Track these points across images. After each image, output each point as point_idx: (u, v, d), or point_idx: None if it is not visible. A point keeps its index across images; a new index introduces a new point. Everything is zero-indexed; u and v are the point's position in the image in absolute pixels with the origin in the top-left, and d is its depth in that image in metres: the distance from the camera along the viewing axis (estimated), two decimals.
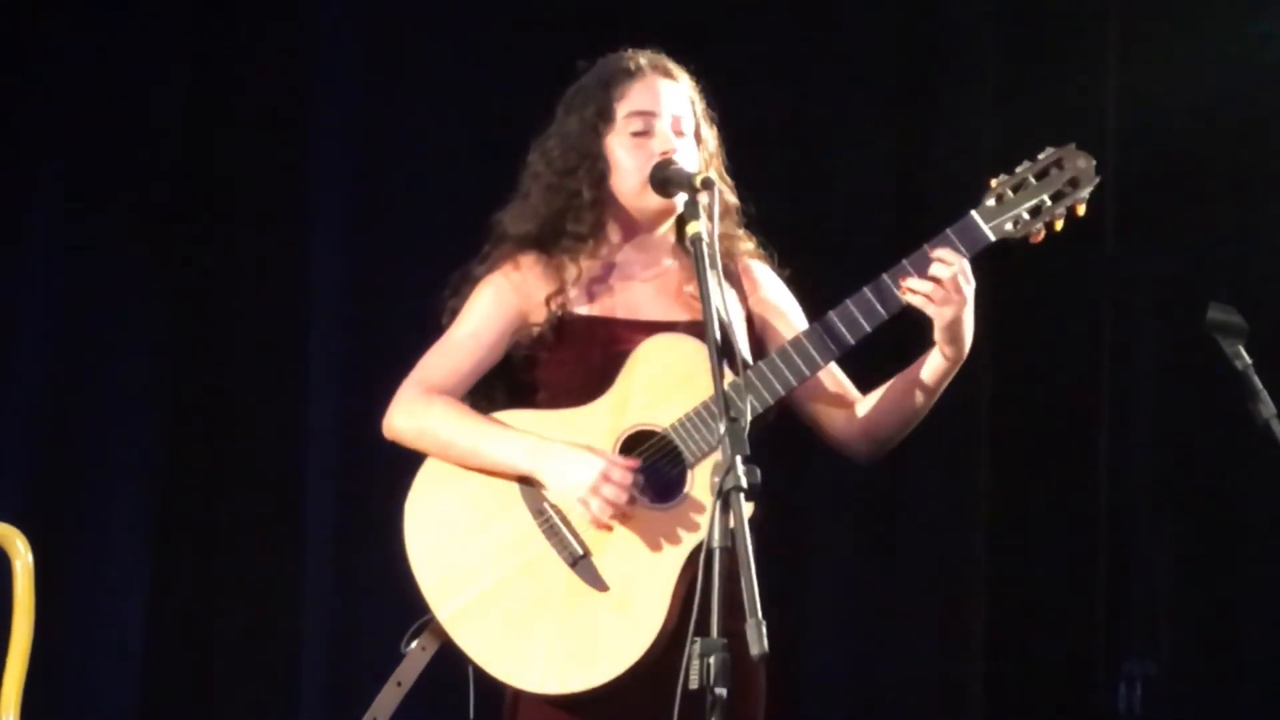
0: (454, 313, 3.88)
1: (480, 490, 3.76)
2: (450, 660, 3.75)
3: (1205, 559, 5.73)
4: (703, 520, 3.56)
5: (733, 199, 3.92)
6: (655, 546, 3.68)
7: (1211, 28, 5.62)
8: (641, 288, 3.87)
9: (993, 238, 3.71)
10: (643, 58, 3.90)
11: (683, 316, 3.82)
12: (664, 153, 3.80)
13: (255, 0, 5.60)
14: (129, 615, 5.42)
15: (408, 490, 3.78)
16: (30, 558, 3.76)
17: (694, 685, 3.18)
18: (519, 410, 3.80)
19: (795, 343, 3.73)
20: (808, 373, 3.73)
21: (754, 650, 3.11)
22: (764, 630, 3.11)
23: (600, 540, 3.70)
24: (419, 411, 3.79)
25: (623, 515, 3.69)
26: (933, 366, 3.76)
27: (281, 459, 5.50)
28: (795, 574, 5.59)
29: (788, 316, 3.91)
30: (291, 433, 5.51)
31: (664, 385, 3.73)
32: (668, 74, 3.89)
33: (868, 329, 3.71)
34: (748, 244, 3.94)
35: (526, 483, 3.75)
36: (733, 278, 3.88)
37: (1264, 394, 3.80)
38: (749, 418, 3.35)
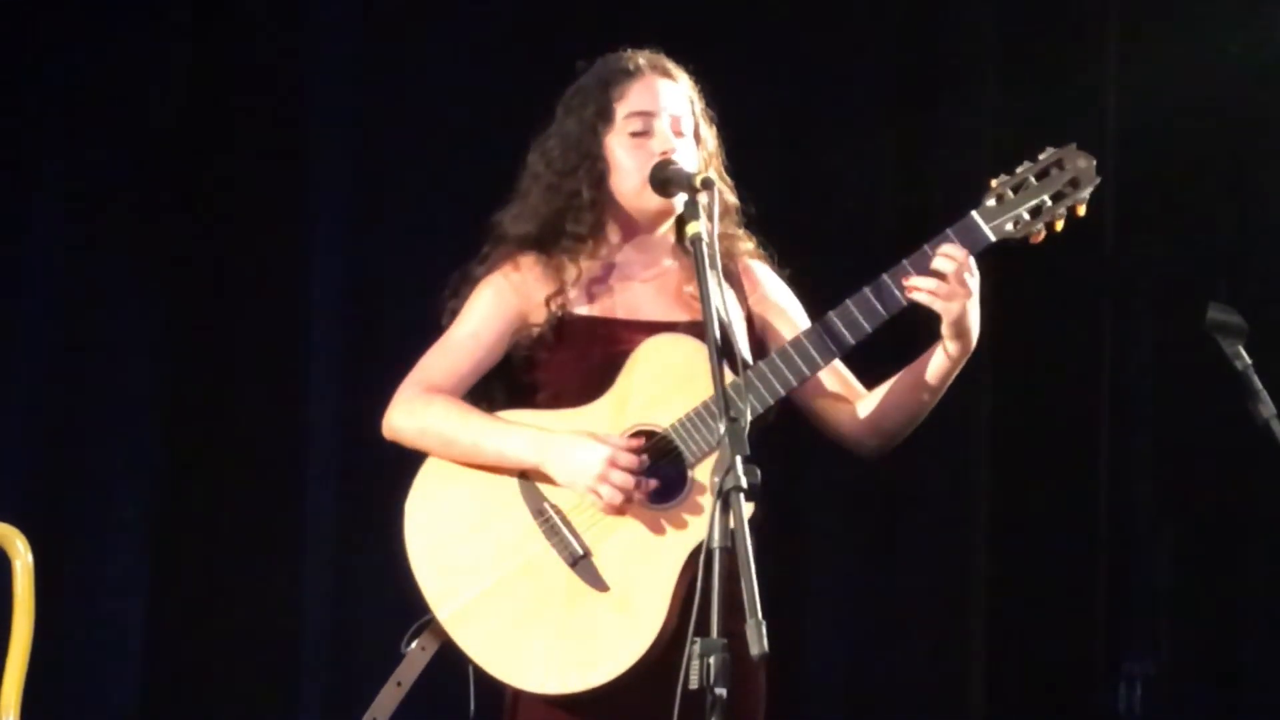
0: (454, 313, 3.88)
1: (480, 490, 3.76)
2: (450, 660, 3.75)
3: (1205, 559, 5.73)
4: (703, 520, 3.55)
5: (732, 199, 3.92)
6: (655, 546, 3.67)
7: (1211, 28, 5.62)
8: (641, 288, 3.87)
9: (993, 238, 3.71)
10: (642, 58, 3.90)
11: (683, 317, 3.81)
12: (663, 153, 3.80)
13: (256, 1, 5.60)
14: (129, 615, 5.42)
15: (408, 490, 3.78)
16: (30, 558, 3.76)
17: (694, 685, 3.18)
18: (519, 410, 3.80)
19: (795, 343, 3.73)
20: (807, 373, 3.72)
21: (754, 650, 3.11)
22: (764, 630, 3.11)
23: (600, 540, 3.70)
24: (419, 410, 3.79)
25: (623, 515, 3.69)
26: (939, 361, 3.75)
27: (281, 459, 5.50)
28: (795, 574, 5.59)
29: (789, 315, 3.90)
30: (291, 433, 5.51)
31: (664, 385, 3.73)
32: (667, 74, 3.89)
33: (868, 329, 3.70)
34: (748, 244, 3.94)
35: (527, 482, 3.75)
36: (733, 278, 3.88)
37: (1264, 394, 3.80)
38: (749, 418, 3.35)
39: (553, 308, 3.82)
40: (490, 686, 3.73)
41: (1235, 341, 3.83)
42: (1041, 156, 3.74)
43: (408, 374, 3.85)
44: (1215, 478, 5.68)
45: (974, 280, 3.68)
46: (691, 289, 3.81)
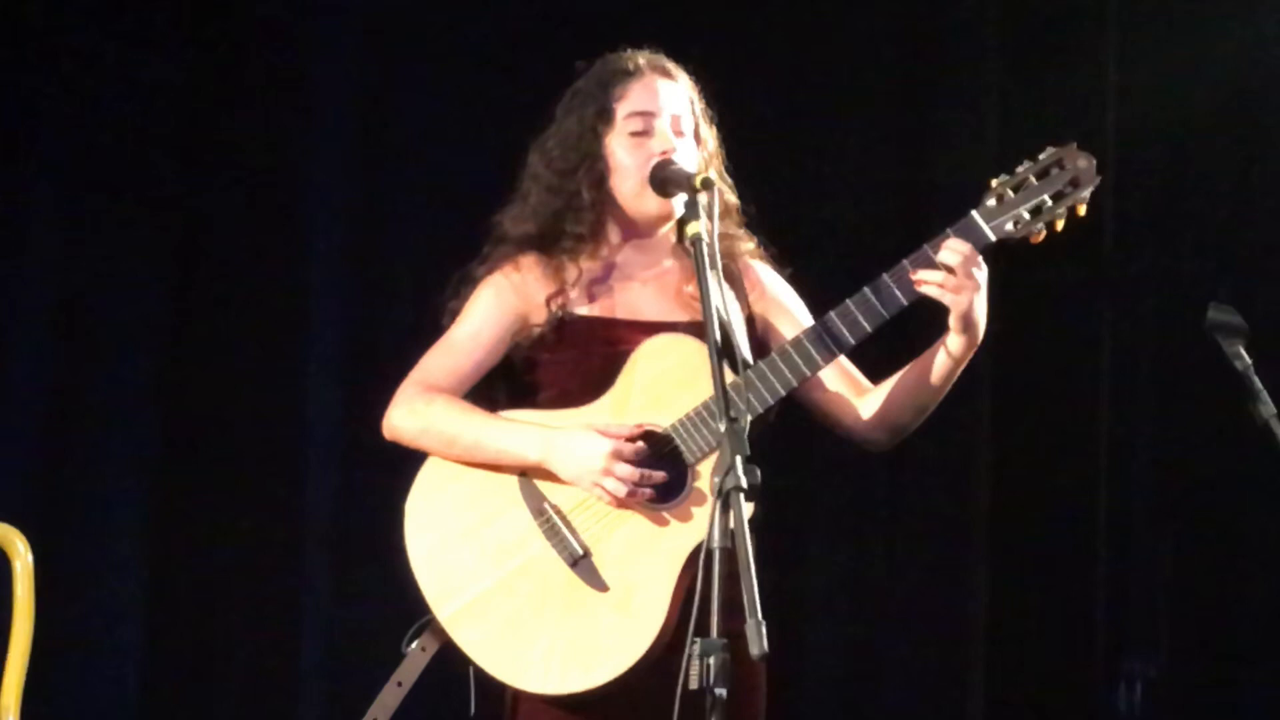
0: (454, 314, 3.88)
1: (480, 490, 3.76)
2: (450, 660, 3.75)
3: (1205, 559, 5.73)
4: (703, 520, 3.55)
5: (733, 199, 3.92)
6: (655, 547, 3.67)
7: (1211, 28, 5.62)
8: (642, 288, 3.87)
9: (993, 237, 3.71)
10: (642, 58, 3.90)
11: (683, 317, 3.81)
12: (663, 152, 3.80)
13: (256, 1, 5.61)
14: (128, 615, 5.41)
15: (408, 490, 3.78)
16: (30, 558, 3.77)
17: (694, 686, 3.18)
18: (520, 410, 3.80)
19: (795, 343, 3.73)
20: (807, 373, 3.72)
21: (754, 650, 3.11)
22: (764, 630, 3.11)
23: (600, 540, 3.70)
24: (420, 409, 3.79)
25: (623, 514, 3.69)
26: (947, 353, 3.75)
27: (281, 458, 5.50)
28: (795, 574, 5.60)
29: (792, 314, 3.90)
30: (291, 432, 5.51)
31: (664, 385, 3.73)
32: (667, 74, 3.88)
33: (868, 329, 3.70)
34: (748, 244, 3.94)
35: (527, 482, 3.75)
36: (733, 278, 3.88)
37: (1264, 394, 3.80)
38: (749, 418, 3.35)
39: (553, 308, 3.82)
40: (490, 686, 3.73)
41: (1235, 341, 3.83)
42: (1041, 156, 3.74)
43: (408, 374, 3.85)
44: (1215, 478, 5.68)
45: (982, 273, 3.68)
46: (692, 289, 3.81)
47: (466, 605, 3.71)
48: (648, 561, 3.67)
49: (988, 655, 5.70)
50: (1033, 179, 3.73)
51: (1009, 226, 3.71)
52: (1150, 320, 5.79)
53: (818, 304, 3.84)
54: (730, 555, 3.19)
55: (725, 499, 3.20)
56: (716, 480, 3.22)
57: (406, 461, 3.81)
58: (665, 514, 3.69)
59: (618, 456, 3.67)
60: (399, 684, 3.78)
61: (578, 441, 3.69)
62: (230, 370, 5.50)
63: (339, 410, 5.48)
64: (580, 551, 3.70)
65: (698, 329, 3.55)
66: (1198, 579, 5.74)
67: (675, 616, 3.63)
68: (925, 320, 3.75)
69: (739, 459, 3.22)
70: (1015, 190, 3.73)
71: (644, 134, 3.83)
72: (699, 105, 3.91)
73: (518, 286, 3.85)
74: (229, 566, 5.44)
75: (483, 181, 4.08)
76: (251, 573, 5.44)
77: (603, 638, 3.65)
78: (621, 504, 3.68)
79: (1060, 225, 3.72)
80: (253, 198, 5.55)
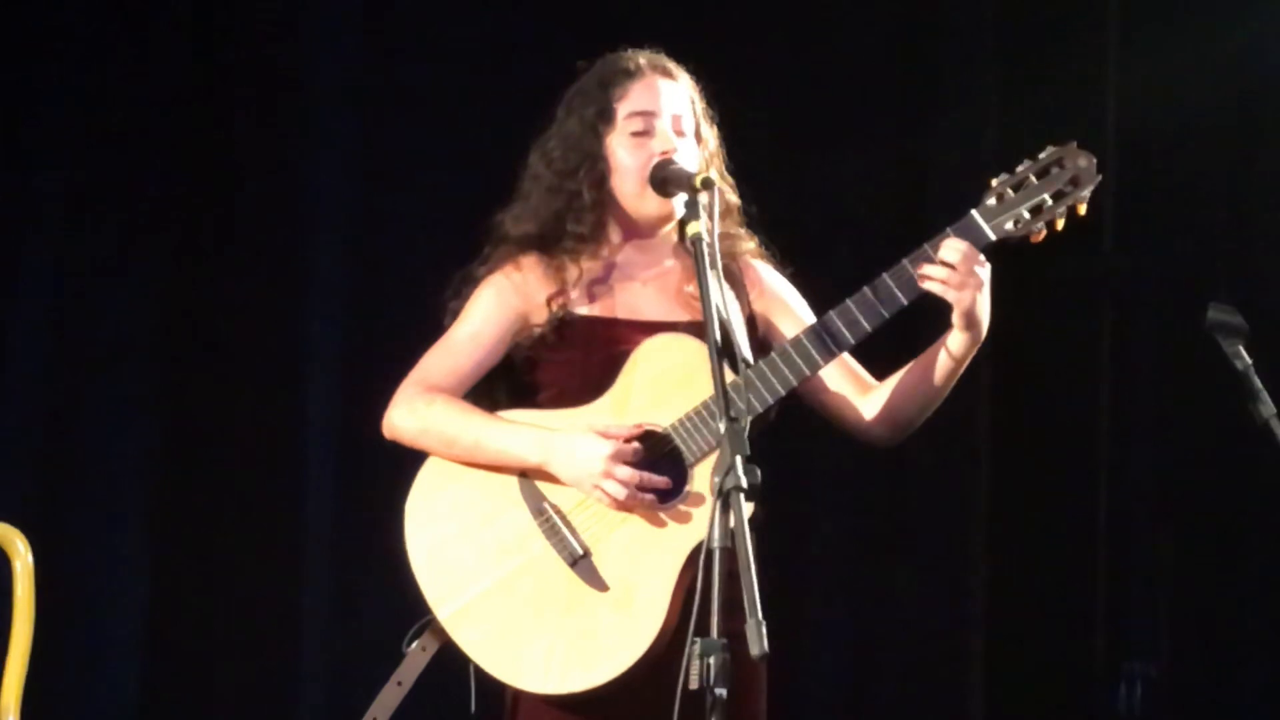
0: (455, 313, 3.88)
1: (480, 490, 3.76)
2: (450, 660, 3.75)
3: (1205, 559, 5.73)
4: (703, 520, 3.55)
5: (733, 198, 3.92)
6: (655, 546, 3.67)
7: (1210, 28, 5.62)
8: (642, 288, 3.87)
9: (993, 237, 3.71)
10: (642, 58, 3.89)
11: (683, 317, 3.81)
12: (664, 152, 3.80)
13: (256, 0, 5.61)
14: (129, 615, 5.41)
15: (408, 490, 3.78)
16: (30, 558, 3.77)
17: (694, 685, 3.18)
18: (520, 410, 3.80)
19: (795, 342, 3.73)
20: (808, 372, 3.72)
21: (754, 650, 3.11)
22: (764, 630, 3.11)
23: (600, 540, 3.70)
24: (420, 409, 3.79)
25: (624, 514, 3.69)
26: (951, 350, 3.74)
27: (281, 459, 5.50)
28: (795, 574, 5.59)
29: (793, 313, 3.90)
30: (291, 432, 5.51)
31: (664, 385, 3.73)
32: (667, 74, 3.88)
33: (868, 328, 3.70)
34: (749, 243, 3.93)
35: (527, 482, 3.75)
36: (734, 278, 3.88)
37: (1264, 394, 3.80)
38: (749, 417, 3.35)
39: (554, 308, 3.82)
40: (490, 686, 3.73)
41: (1235, 341, 3.83)
42: (1042, 155, 3.74)
43: (408, 374, 3.85)
44: (1215, 478, 5.68)
45: (985, 271, 3.68)
46: (692, 289, 3.81)
47: (466, 605, 3.71)
48: (648, 561, 3.67)
49: (988, 655, 5.69)
50: (1033, 178, 3.73)
51: (1009, 226, 3.71)
52: (1150, 320, 5.79)
53: (818, 304, 3.84)
54: (730, 555, 3.19)
55: (725, 498, 3.20)
56: (717, 480, 3.22)
57: (406, 462, 3.81)
58: (665, 514, 3.69)
59: (617, 458, 3.67)
60: (399, 684, 3.78)
61: (577, 444, 3.69)
62: (231, 369, 5.50)
63: (339, 411, 5.47)
64: (580, 551, 3.70)
65: (698, 329, 3.55)
66: (1198, 579, 5.74)
67: (675, 616, 3.62)
68: (931, 318, 3.75)
69: (739, 458, 3.22)
70: (1015, 189, 3.73)
71: (645, 134, 3.83)
72: (700, 105, 3.90)
73: (518, 286, 3.85)
74: (229, 566, 5.44)
75: (483, 182, 4.08)
76: (251, 573, 5.43)
77: (603, 637, 3.65)
78: (621, 505, 3.68)
79: (1060, 224, 3.72)
80: (252, 198, 5.55)
